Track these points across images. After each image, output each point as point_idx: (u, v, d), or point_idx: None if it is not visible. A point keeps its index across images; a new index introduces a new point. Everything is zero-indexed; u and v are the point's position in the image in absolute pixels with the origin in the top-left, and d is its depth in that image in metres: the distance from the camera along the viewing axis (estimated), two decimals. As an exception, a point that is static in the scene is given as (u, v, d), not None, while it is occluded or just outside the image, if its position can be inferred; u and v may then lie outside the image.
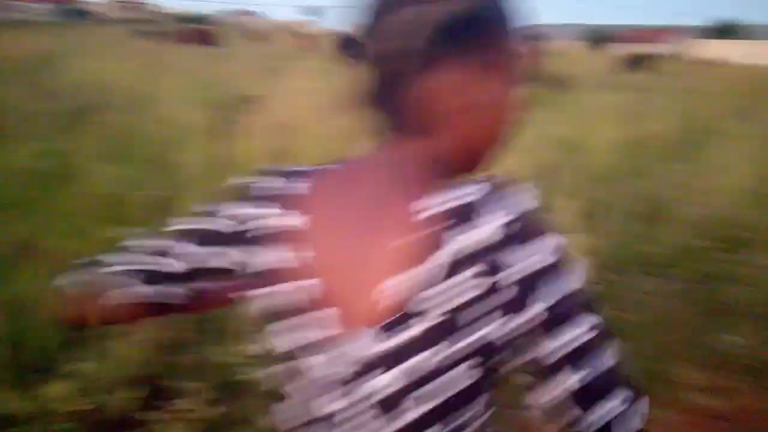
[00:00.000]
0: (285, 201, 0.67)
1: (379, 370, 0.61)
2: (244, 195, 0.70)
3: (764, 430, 2.28)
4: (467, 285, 0.59)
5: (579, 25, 79.17)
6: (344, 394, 0.63)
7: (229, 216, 0.70)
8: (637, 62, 23.30)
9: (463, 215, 0.61)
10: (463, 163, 0.66)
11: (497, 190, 0.62)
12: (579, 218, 3.59)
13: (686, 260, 3.42)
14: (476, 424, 0.64)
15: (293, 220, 0.66)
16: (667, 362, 2.53)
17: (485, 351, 0.60)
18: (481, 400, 0.64)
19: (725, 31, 70.69)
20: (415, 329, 0.60)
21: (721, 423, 2.29)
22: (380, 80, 0.63)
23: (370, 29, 0.62)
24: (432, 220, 0.61)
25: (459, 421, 0.63)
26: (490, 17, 0.62)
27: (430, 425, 0.62)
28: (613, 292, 2.99)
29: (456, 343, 0.60)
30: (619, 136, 6.33)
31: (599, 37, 67.35)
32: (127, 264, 0.72)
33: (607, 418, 0.58)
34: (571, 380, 0.59)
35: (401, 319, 0.61)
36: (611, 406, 0.59)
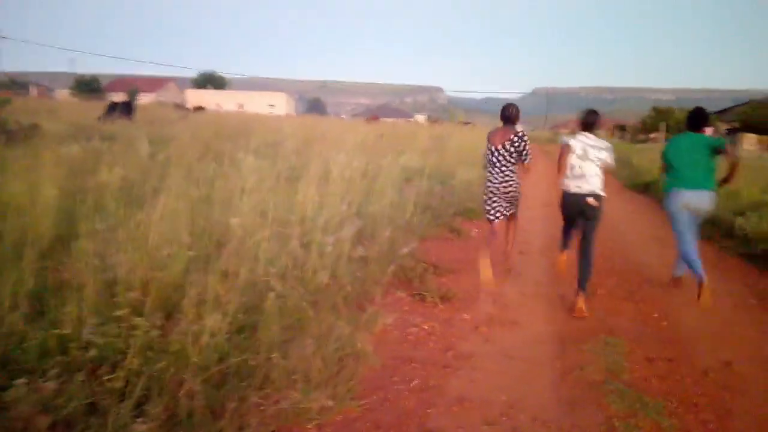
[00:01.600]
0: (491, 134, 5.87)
1: (502, 150, 5.62)
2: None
3: None
4: (509, 144, 5.59)
5: (69, 73, 74.70)
6: (495, 156, 5.67)
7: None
8: (123, 110, 22.87)
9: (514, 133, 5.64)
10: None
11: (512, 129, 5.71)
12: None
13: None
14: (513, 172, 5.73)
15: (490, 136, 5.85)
16: None
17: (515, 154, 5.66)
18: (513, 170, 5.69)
19: (208, 81, 78.12)
20: (504, 147, 5.61)
21: None
22: (506, 118, 5.72)
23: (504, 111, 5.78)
24: (508, 135, 5.64)
25: (511, 168, 5.67)
26: (512, 113, 5.77)
27: (509, 163, 5.66)
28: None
29: (509, 149, 5.62)
30: (56, 193, 5.47)
31: (90, 86, 65.02)
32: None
33: None
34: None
35: (501, 146, 5.62)
36: None
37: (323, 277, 4.40)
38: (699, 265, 5.25)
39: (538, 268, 6.54)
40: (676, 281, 5.94)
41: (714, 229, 8.77)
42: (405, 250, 5.31)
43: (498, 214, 5.76)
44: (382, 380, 3.52)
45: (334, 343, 3.55)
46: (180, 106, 40.26)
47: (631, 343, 4.33)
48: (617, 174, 18.11)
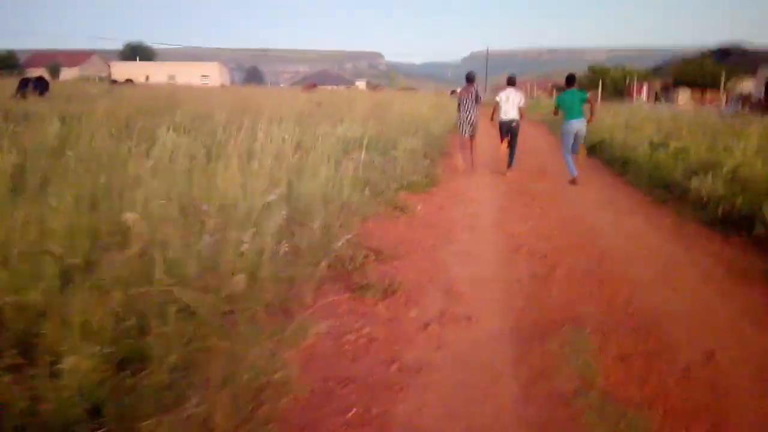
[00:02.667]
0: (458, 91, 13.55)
1: (469, 101, 10.96)
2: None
3: None
4: (473, 93, 10.99)
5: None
6: (465, 102, 11.01)
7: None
8: (36, 86, 21.01)
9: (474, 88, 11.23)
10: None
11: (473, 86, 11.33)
12: None
13: None
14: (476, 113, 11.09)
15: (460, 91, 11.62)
16: None
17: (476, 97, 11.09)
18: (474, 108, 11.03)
19: (136, 53, 74.08)
20: (470, 96, 10.95)
21: None
22: (468, 79, 11.31)
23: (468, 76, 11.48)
24: (471, 89, 11.10)
25: (473, 110, 11.03)
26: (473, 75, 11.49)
27: (473, 103, 11.03)
28: None
29: (473, 96, 10.99)
30: None
31: (6, 62, 60.55)
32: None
33: None
34: None
35: (469, 98, 10.95)
36: None
37: (240, 282, 3.64)
38: (573, 166, 9.89)
39: (489, 242, 5.97)
40: (573, 180, 9.75)
41: (668, 193, 8.43)
42: (342, 240, 4.59)
43: (466, 133, 10.97)
44: (311, 414, 2.83)
45: (248, 371, 2.83)
46: (106, 80, 37.78)
47: (600, 336, 3.78)
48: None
